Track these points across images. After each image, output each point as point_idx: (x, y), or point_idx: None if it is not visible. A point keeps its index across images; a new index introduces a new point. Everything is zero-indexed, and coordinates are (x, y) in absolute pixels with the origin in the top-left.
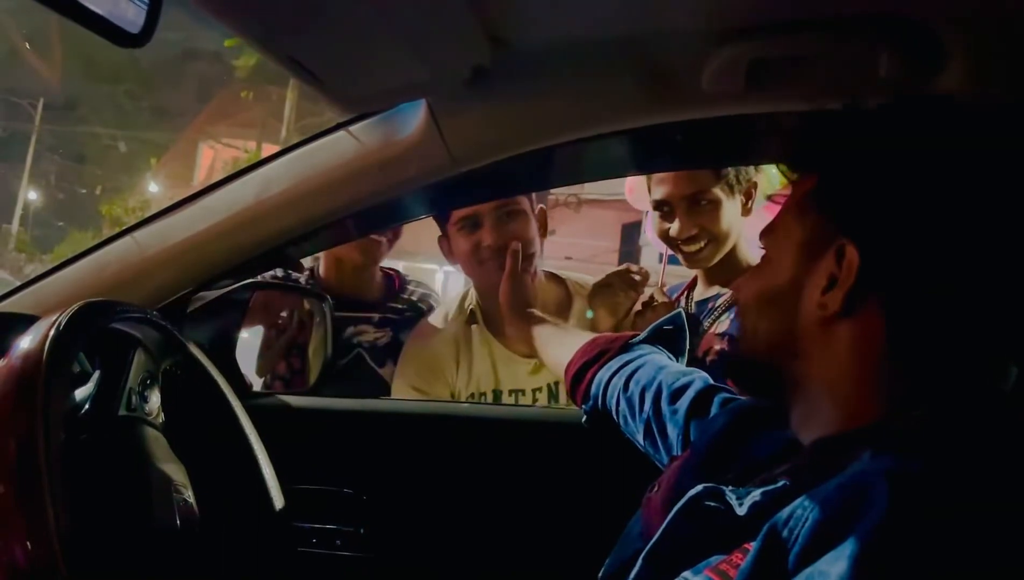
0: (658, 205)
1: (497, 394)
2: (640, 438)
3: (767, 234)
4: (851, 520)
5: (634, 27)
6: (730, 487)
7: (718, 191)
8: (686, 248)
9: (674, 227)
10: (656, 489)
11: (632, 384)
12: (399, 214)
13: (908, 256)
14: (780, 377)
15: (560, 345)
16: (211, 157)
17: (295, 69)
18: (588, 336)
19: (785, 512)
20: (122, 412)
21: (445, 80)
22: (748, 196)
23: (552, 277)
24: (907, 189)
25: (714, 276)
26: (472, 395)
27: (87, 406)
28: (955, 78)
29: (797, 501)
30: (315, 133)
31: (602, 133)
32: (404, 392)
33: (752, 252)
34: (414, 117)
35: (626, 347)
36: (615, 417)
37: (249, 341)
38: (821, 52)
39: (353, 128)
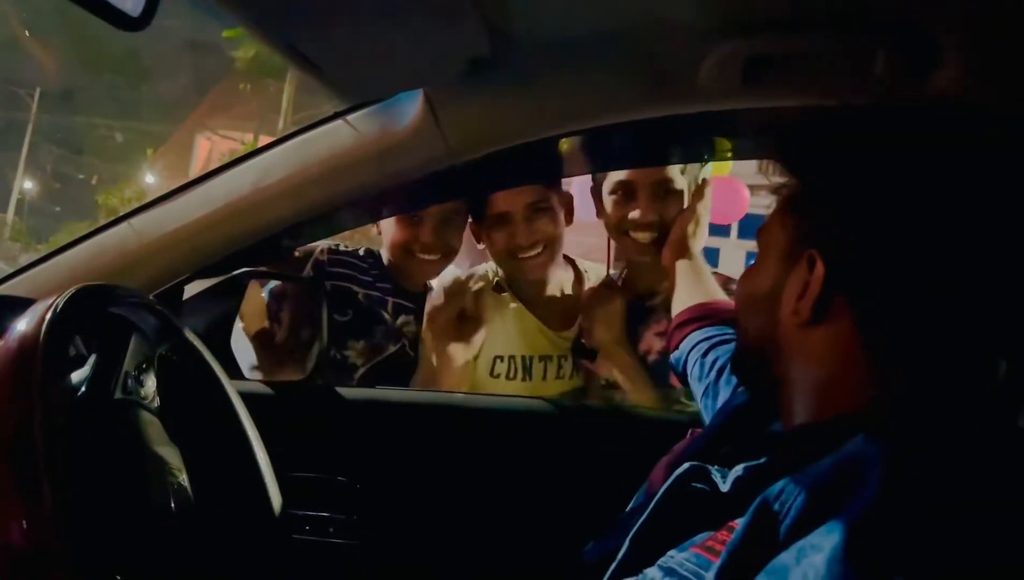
0: (618, 187)
1: (528, 358)
2: (699, 399)
3: (760, 234)
4: (845, 496)
5: (633, 20)
6: (716, 466)
7: (681, 182)
8: (640, 234)
9: (635, 212)
10: (662, 462)
11: (711, 352)
12: (396, 204)
13: (873, 263)
14: (768, 373)
15: (691, 287)
16: (208, 149)
17: (294, 57)
18: (712, 292)
19: (776, 487)
20: (118, 395)
21: (443, 70)
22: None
23: (567, 260)
24: (870, 198)
25: (649, 275)
26: (499, 358)
27: (83, 389)
28: (950, 78)
29: (789, 476)
30: (313, 121)
31: (599, 126)
32: (431, 344)
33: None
34: (412, 107)
35: (727, 321)
36: (688, 374)
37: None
38: (818, 50)
39: (351, 117)
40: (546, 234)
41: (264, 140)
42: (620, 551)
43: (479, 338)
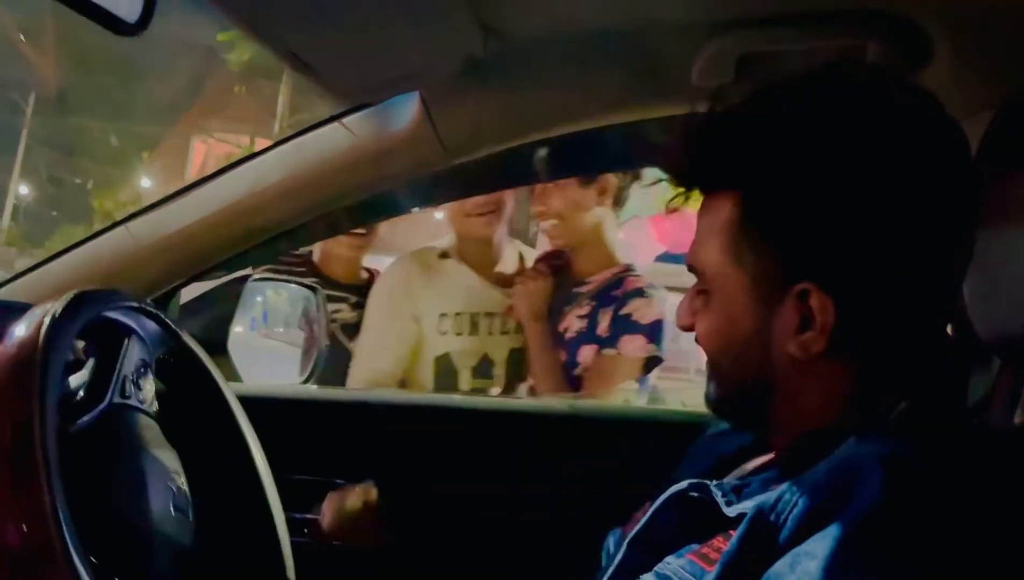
0: None
1: (474, 315)
2: None
3: (696, 272)
4: (842, 503)
5: (626, 18)
6: (714, 482)
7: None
8: (540, 222)
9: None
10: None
11: None
12: (392, 206)
13: (871, 277)
14: (759, 411)
15: None
16: (203, 152)
17: (289, 59)
18: None
19: (772, 497)
20: (116, 400)
21: (438, 71)
22: (602, 191)
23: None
24: (855, 213)
25: (578, 261)
26: (444, 315)
27: (81, 393)
28: (942, 72)
29: (784, 486)
30: (309, 125)
31: (594, 126)
32: (375, 316)
33: (616, 244)
34: (407, 109)
35: None
36: None
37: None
38: (811, 46)
39: (346, 120)
40: (496, 195)
41: (260, 143)
42: (618, 555)
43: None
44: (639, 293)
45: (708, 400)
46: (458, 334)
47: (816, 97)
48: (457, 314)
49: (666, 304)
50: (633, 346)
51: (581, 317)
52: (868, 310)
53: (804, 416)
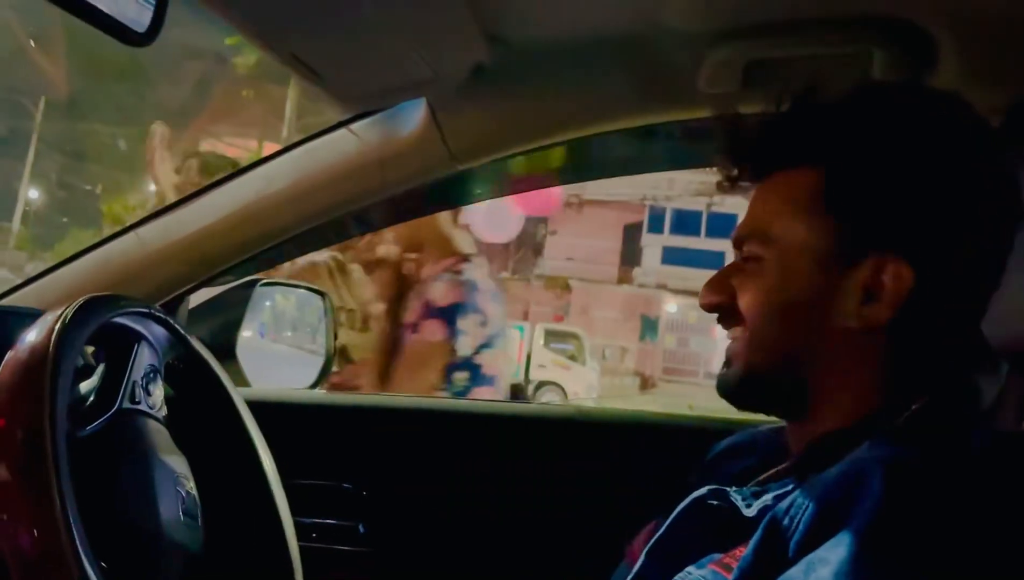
0: None
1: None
2: None
3: (758, 238)
4: (849, 507)
5: (632, 26)
6: (733, 488)
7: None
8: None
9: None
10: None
11: None
12: (399, 212)
13: (944, 261)
14: (792, 389)
15: None
16: None
17: (296, 66)
18: None
19: (785, 502)
20: (126, 405)
21: (445, 78)
22: None
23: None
24: (929, 185)
25: (427, 259)
26: (340, 309)
27: (91, 398)
28: (949, 78)
29: (797, 491)
30: (317, 131)
31: (601, 132)
32: None
33: (454, 235)
34: (414, 115)
35: None
36: None
37: (251, 337)
38: (817, 53)
39: (354, 126)
40: None
41: (268, 147)
42: (637, 564)
43: None
44: (445, 277)
45: (729, 382)
46: (351, 328)
47: (899, 93)
48: (350, 310)
49: (474, 291)
50: (430, 329)
51: (416, 311)
52: (938, 287)
53: (837, 401)
